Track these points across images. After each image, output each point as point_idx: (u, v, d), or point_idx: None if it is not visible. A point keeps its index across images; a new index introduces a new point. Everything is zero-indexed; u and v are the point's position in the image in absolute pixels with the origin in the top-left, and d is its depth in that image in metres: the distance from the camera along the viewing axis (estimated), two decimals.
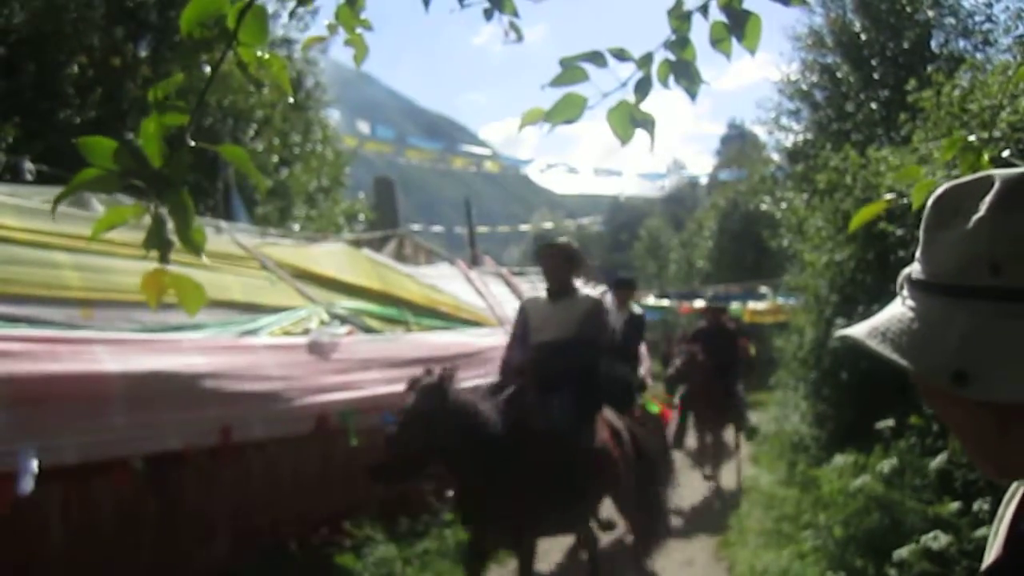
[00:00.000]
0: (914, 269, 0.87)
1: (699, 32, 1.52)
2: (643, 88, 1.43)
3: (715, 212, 30.97)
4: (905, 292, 0.87)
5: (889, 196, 1.98)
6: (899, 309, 0.86)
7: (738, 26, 1.44)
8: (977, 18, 13.84)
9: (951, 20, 14.31)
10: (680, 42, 1.47)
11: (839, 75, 15.08)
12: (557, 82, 1.40)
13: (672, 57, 1.48)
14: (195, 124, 1.16)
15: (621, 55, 1.42)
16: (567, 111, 1.42)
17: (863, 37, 14.74)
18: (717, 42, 1.50)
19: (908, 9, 14.32)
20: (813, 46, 15.56)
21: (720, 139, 64.02)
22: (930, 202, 0.86)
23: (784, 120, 16.34)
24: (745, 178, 27.48)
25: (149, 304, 1.29)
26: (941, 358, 0.79)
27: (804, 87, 15.84)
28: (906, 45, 14.20)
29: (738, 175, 28.76)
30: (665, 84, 1.48)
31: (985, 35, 13.51)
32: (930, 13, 14.37)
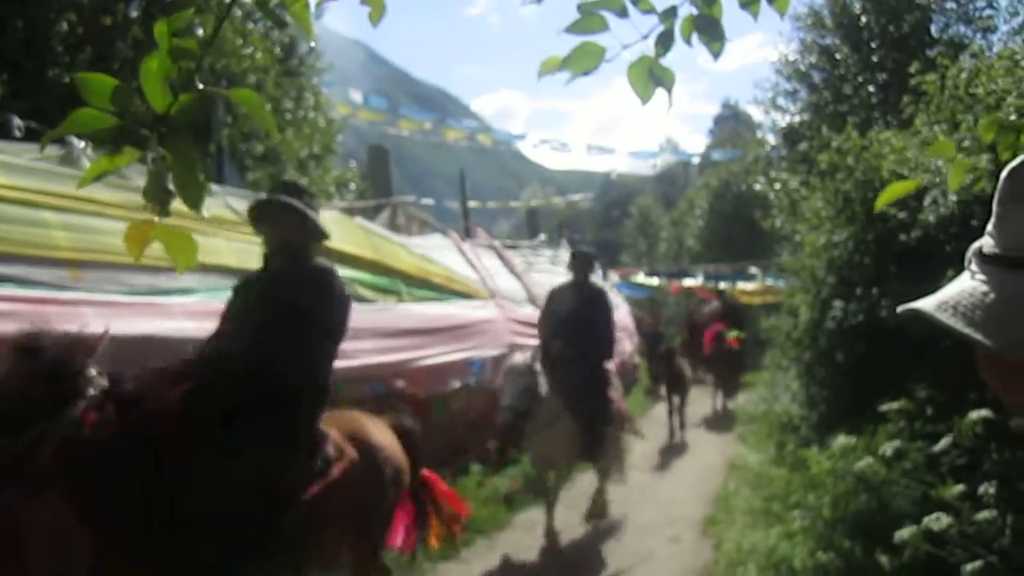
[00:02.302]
0: (985, 243, 0.83)
1: None
2: (665, 42, 1.37)
3: (706, 192, 30.93)
4: (974, 267, 0.83)
5: (921, 176, 1.93)
6: (969, 283, 0.81)
7: None
8: (978, 3, 13.77)
9: (952, 4, 14.21)
10: None
11: (838, 56, 14.98)
12: (574, 28, 1.33)
13: (696, 12, 1.41)
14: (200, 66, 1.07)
15: (639, 5, 1.36)
16: (585, 60, 1.36)
17: (863, 19, 14.63)
18: (746, 3, 1.44)
19: None
20: (812, 26, 15.42)
21: (713, 119, 63.84)
22: (1004, 176, 0.82)
23: (781, 101, 16.24)
24: (738, 158, 27.43)
25: (132, 257, 1.19)
26: (1018, 332, 0.75)
27: (802, 68, 15.73)
28: (906, 28, 14.10)
29: (731, 155, 28.71)
30: (688, 41, 1.41)
31: (986, 21, 13.44)
32: None
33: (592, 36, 1.35)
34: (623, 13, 1.35)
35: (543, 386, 5.95)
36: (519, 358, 6.12)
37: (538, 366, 6.01)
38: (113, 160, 1.09)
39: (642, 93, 1.39)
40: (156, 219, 1.13)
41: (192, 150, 1.09)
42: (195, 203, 1.14)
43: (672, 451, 10.11)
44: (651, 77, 1.38)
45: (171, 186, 1.14)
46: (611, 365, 6.80)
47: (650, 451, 9.97)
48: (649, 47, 1.39)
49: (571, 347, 6.07)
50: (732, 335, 13.73)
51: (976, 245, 0.85)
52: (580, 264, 6.66)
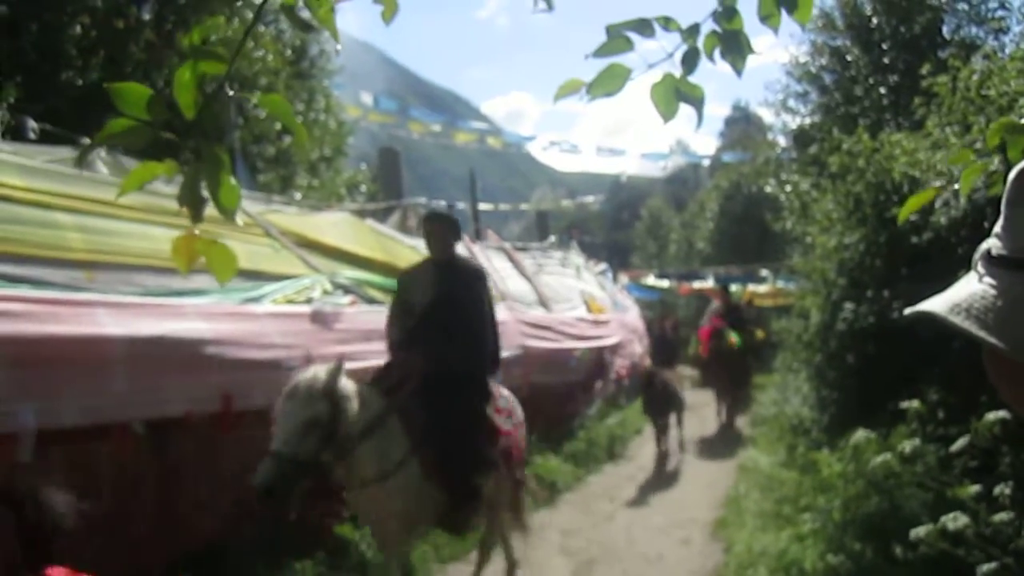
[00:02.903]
0: (993, 245, 0.83)
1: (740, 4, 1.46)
2: (691, 60, 1.37)
3: (717, 194, 30.87)
4: (981, 268, 0.84)
5: (938, 183, 1.94)
6: (978, 286, 0.82)
7: None
8: (990, 4, 13.71)
9: (963, 6, 14.16)
10: (727, 13, 1.41)
11: (849, 58, 14.94)
12: (601, 52, 1.34)
13: (719, 29, 1.41)
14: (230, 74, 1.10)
15: (667, 25, 1.36)
16: (610, 83, 1.36)
17: (874, 21, 14.59)
18: (766, 17, 1.44)
19: None
20: (823, 28, 15.39)
21: (724, 121, 63.59)
22: (1012, 176, 0.83)
23: (791, 102, 16.21)
24: (748, 160, 27.38)
25: (180, 270, 1.22)
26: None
27: (813, 69, 15.69)
28: (917, 30, 14.06)
29: (741, 157, 28.67)
30: (711, 58, 1.42)
31: (999, 22, 13.38)
32: None
33: (617, 57, 1.36)
34: (650, 33, 1.36)
35: (348, 419, 3.86)
36: (308, 373, 3.91)
37: (344, 387, 3.90)
38: (150, 170, 1.12)
39: (666, 111, 1.38)
40: (196, 230, 1.15)
41: (223, 157, 1.12)
42: (229, 208, 1.16)
43: (679, 458, 10.09)
44: (677, 95, 1.38)
45: (204, 192, 1.16)
46: (496, 384, 4.81)
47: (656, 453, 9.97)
48: (673, 64, 1.39)
49: (428, 358, 4.25)
50: (732, 336, 11.58)
51: (984, 246, 0.85)
52: (437, 233, 4.56)
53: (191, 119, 1.08)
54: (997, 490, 3.18)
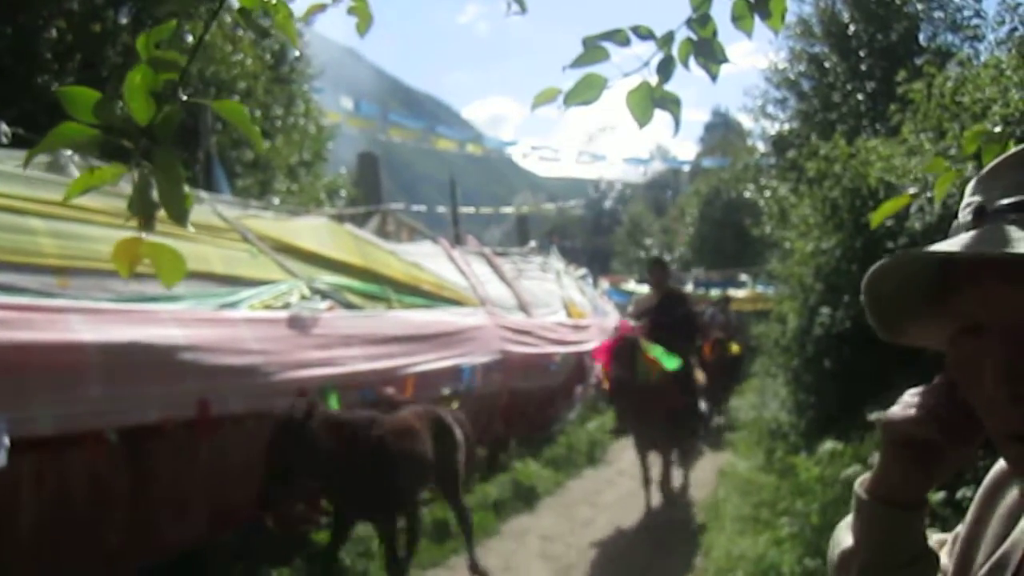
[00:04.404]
0: (989, 197, 0.82)
1: (715, 10, 1.46)
2: (666, 68, 1.38)
3: (697, 199, 31.03)
4: (970, 221, 0.83)
5: (912, 191, 1.96)
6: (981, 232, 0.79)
7: (762, 3, 1.39)
8: (966, 13, 13.91)
9: (939, 14, 14.36)
10: (700, 20, 1.41)
11: (827, 65, 15.09)
12: (579, 62, 1.34)
13: (693, 36, 1.42)
14: (186, 79, 1.08)
15: (642, 33, 1.37)
16: (587, 92, 1.36)
17: (851, 28, 14.75)
18: (738, 19, 1.44)
19: (897, 1, 14.34)
20: (802, 35, 15.55)
21: (704, 126, 64.11)
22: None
23: (770, 108, 16.36)
24: (728, 166, 27.58)
25: (121, 274, 1.19)
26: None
27: (791, 76, 15.85)
28: (894, 37, 14.23)
29: (721, 162, 28.87)
30: (685, 64, 1.42)
31: (974, 30, 13.57)
32: (919, 6, 14.41)
33: (594, 67, 1.36)
34: (625, 43, 1.36)
35: None
36: None
37: None
38: (96, 175, 1.09)
39: (641, 118, 1.39)
40: (143, 235, 1.12)
41: (176, 163, 1.09)
42: (180, 217, 1.13)
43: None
44: (652, 102, 1.39)
45: (156, 199, 1.14)
46: None
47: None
48: (649, 72, 1.40)
49: None
50: (656, 354, 6.65)
51: (971, 203, 0.83)
52: None
53: (144, 124, 1.06)
54: (960, 494, 3.20)
